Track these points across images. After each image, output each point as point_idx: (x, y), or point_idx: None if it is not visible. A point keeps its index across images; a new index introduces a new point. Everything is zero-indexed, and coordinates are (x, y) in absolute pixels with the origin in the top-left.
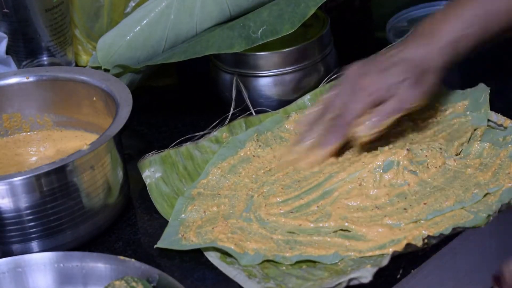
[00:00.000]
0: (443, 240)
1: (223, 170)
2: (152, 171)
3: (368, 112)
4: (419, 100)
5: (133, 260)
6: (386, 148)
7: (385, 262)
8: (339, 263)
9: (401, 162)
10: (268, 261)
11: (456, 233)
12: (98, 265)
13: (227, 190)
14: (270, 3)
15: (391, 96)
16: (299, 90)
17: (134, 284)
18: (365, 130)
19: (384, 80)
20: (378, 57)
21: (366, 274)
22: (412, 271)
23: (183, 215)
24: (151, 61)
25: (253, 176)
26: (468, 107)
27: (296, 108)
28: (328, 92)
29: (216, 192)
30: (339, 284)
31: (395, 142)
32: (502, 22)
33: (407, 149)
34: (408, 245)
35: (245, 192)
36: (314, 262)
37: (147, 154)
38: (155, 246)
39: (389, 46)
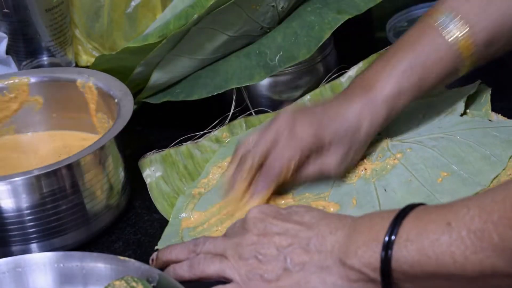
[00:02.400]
0: None
1: (224, 169)
2: (152, 170)
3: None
4: (335, 168)
5: (133, 260)
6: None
7: None
8: None
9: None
10: None
11: None
12: (98, 265)
13: None
14: (283, 26)
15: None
16: (299, 90)
17: (134, 284)
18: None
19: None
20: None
21: None
22: None
23: (183, 214)
24: (171, 97)
25: None
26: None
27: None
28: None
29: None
30: None
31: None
32: (438, 73)
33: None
34: None
35: None
36: None
37: (148, 153)
38: (156, 247)
39: (386, 48)
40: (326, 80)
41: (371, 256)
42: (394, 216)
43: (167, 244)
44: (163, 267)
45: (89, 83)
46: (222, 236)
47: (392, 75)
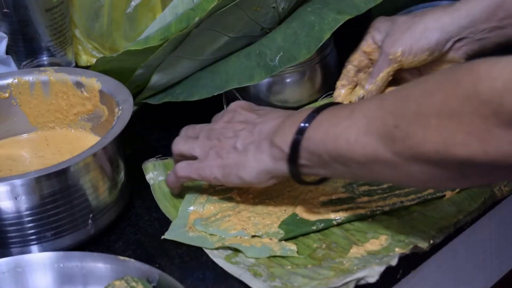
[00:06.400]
0: (443, 240)
1: None
2: (155, 174)
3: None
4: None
5: (133, 260)
6: None
7: (394, 262)
8: (344, 262)
9: None
10: (273, 261)
11: (457, 231)
12: (98, 265)
13: None
14: (283, 27)
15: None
16: (299, 90)
17: (134, 284)
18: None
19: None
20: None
21: (372, 274)
22: (412, 271)
23: (192, 207)
24: (171, 97)
25: None
26: None
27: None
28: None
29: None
30: (346, 284)
31: None
32: None
33: None
34: (415, 247)
35: None
36: (320, 261)
37: (150, 159)
38: (163, 237)
39: None
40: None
41: (290, 135)
42: (318, 106)
43: (174, 236)
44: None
45: (90, 83)
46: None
47: None
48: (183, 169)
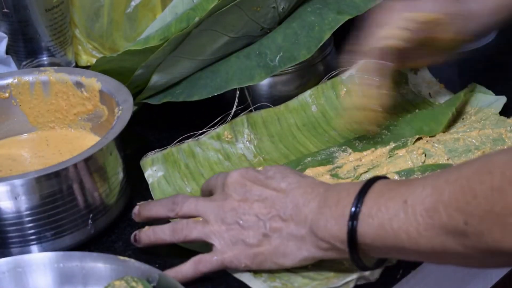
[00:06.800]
0: None
1: None
2: (154, 170)
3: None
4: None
5: (133, 260)
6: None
7: (393, 261)
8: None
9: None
10: None
11: None
12: (98, 265)
13: None
14: (283, 27)
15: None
16: (299, 89)
17: (134, 284)
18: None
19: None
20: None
21: (372, 273)
22: (412, 271)
23: None
24: (171, 97)
25: None
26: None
27: (298, 104)
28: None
29: None
30: (347, 283)
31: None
32: None
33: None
34: None
35: None
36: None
37: (149, 153)
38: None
39: None
40: (327, 77)
41: (338, 230)
42: (358, 191)
43: None
44: (144, 222)
45: (89, 83)
46: (202, 197)
47: None
48: (206, 263)
